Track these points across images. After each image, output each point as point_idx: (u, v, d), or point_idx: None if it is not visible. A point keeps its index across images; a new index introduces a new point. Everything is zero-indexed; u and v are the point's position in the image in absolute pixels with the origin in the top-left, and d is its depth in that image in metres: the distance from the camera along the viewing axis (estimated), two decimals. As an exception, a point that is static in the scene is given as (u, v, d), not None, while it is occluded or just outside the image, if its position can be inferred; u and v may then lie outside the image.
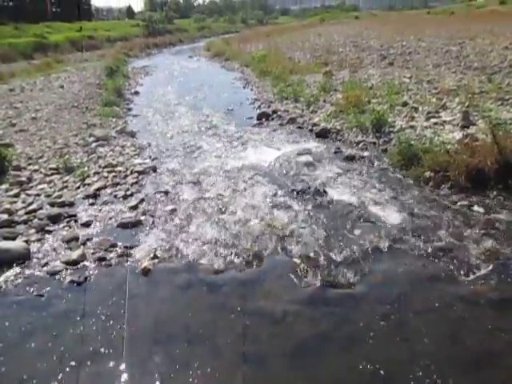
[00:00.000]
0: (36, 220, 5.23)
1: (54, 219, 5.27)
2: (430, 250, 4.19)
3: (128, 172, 6.81)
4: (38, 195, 6.01)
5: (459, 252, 4.12)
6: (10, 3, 49.25)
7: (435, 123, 7.48)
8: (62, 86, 15.37)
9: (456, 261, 4.00)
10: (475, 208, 4.92)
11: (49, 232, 5.01)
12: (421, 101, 8.87)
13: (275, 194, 5.67)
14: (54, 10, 56.82)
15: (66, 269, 4.26)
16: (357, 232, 4.60)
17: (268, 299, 3.71)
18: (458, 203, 5.05)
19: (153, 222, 5.14)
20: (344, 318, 3.43)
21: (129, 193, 6.01)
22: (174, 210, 5.40)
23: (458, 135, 6.64)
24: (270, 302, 3.68)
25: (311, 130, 8.48)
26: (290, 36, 30.02)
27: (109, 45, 35.47)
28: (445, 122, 7.49)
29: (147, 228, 5.02)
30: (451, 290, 3.65)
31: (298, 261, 4.18)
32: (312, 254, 4.25)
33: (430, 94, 9.39)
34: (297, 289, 3.80)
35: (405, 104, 8.75)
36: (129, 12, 76.00)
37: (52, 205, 5.68)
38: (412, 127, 7.44)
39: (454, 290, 3.66)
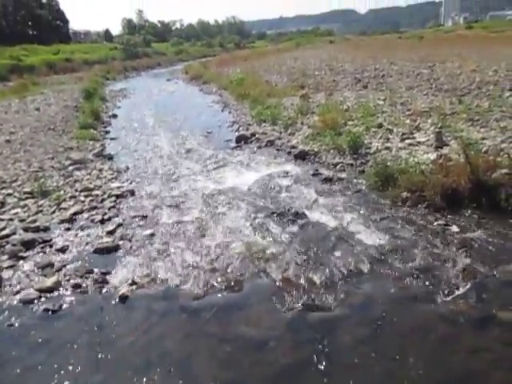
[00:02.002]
0: (9, 246, 5.09)
1: (28, 245, 5.14)
2: (408, 270, 4.23)
3: (105, 196, 6.71)
4: (12, 220, 5.87)
5: (437, 272, 4.17)
6: (-14, 26, 48.95)
7: (410, 144, 7.65)
8: (38, 109, 15.20)
9: (435, 281, 4.04)
10: (451, 227, 5.01)
11: (22, 258, 4.89)
12: (395, 122, 9.09)
13: (255, 217, 5.66)
14: (31, 32, 56.71)
15: (40, 296, 4.15)
16: (336, 254, 4.61)
17: (249, 324, 3.66)
18: (435, 223, 5.14)
19: (131, 247, 5.05)
20: (325, 342, 3.39)
21: (106, 217, 5.91)
22: (152, 235, 5.32)
23: (432, 155, 6.81)
24: (251, 327, 3.62)
25: (289, 153, 8.55)
26: (267, 60, 30.59)
27: (87, 67, 35.42)
28: (419, 142, 7.68)
29: (125, 253, 4.93)
30: (431, 310, 3.68)
31: (278, 284, 4.16)
32: (292, 277, 4.23)
33: (404, 115, 9.64)
34: (278, 313, 3.76)
35: (380, 126, 8.95)
36: (107, 35, 76.41)
37: (26, 230, 5.55)
38: (388, 148, 7.60)
39: (433, 309, 3.69)
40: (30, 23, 58.05)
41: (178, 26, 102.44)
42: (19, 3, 55.53)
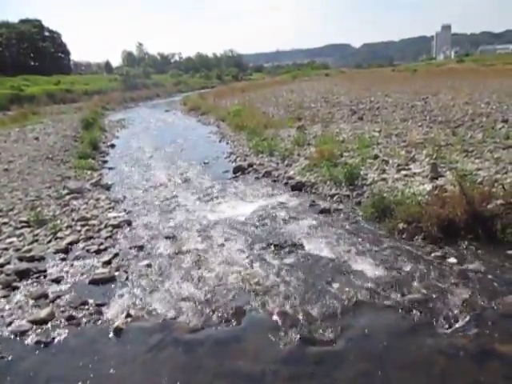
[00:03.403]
0: (3, 275, 5.06)
1: (22, 275, 5.11)
2: (407, 302, 4.19)
3: (102, 226, 6.69)
4: (7, 249, 5.84)
5: (436, 304, 4.14)
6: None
7: (405, 175, 7.72)
8: (36, 138, 15.32)
9: (434, 313, 4.00)
10: (448, 259, 5.01)
11: (16, 288, 4.84)
12: (391, 154, 9.20)
13: (252, 249, 5.64)
14: (33, 63, 57.99)
15: (33, 328, 4.09)
16: (334, 286, 4.58)
17: (246, 359, 3.59)
18: (432, 254, 5.14)
19: (127, 278, 5.01)
20: (324, 377, 3.33)
21: (102, 247, 5.88)
22: (149, 266, 5.29)
23: (427, 187, 6.86)
24: (249, 361, 3.56)
25: (286, 184, 8.59)
26: (264, 92, 31.13)
27: (86, 98, 35.95)
28: (415, 173, 7.75)
29: (121, 284, 4.88)
30: (431, 343, 3.63)
31: (276, 317, 4.10)
32: (290, 310, 4.18)
33: (399, 146, 9.76)
34: (276, 347, 3.70)
35: (376, 157, 9.05)
36: (107, 67, 78.00)
37: (21, 259, 5.52)
38: (384, 179, 7.65)
39: (433, 343, 3.64)
40: (32, 55, 59.45)
41: (177, 58, 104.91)
42: (23, 35, 57.02)
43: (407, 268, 4.85)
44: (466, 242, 5.34)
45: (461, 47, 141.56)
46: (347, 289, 4.49)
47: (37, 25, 62.55)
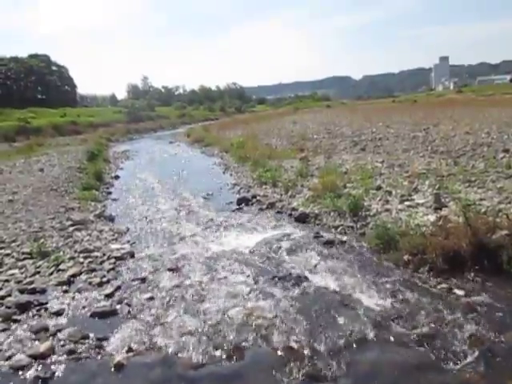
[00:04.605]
0: (3, 308, 5.02)
1: (23, 307, 5.05)
2: (414, 336, 4.11)
3: (105, 257, 6.66)
4: (8, 281, 5.80)
5: (444, 338, 4.05)
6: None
7: (409, 206, 7.70)
8: (41, 169, 15.47)
9: (442, 348, 3.91)
10: (455, 291, 4.93)
11: (16, 321, 4.78)
12: (394, 184, 9.22)
13: (256, 281, 5.58)
14: (40, 96, 59.43)
15: (32, 363, 4.01)
16: (340, 320, 4.50)
17: (250, 395, 3.50)
18: (438, 286, 5.07)
19: (129, 312, 4.95)
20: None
21: (105, 279, 5.84)
22: (151, 299, 5.23)
23: (431, 217, 6.83)
24: (253, 398, 3.46)
25: (290, 215, 8.57)
26: (267, 123, 31.52)
27: (91, 130, 36.51)
28: (418, 204, 7.73)
29: (123, 318, 4.82)
30: (439, 380, 3.53)
31: (280, 352, 4.01)
32: (295, 345, 4.10)
33: (402, 177, 9.78)
34: (280, 383, 3.60)
35: (379, 188, 9.05)
36: (112, 99, 79.64)
37: (22, 291, 5.48)
38: (387, 210, 7.63)
39: (442, 379, 3.54)
40: (39, 88, 61.04)
41: (181, 91, 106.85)
42: (31, 70, 58.71)
43: (413, 301, 4.78)
44: (472, 274, 5.27)
45: (459, 78, 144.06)
46: (353, 323, 4.40)
47: (45, 59, 64.54)
